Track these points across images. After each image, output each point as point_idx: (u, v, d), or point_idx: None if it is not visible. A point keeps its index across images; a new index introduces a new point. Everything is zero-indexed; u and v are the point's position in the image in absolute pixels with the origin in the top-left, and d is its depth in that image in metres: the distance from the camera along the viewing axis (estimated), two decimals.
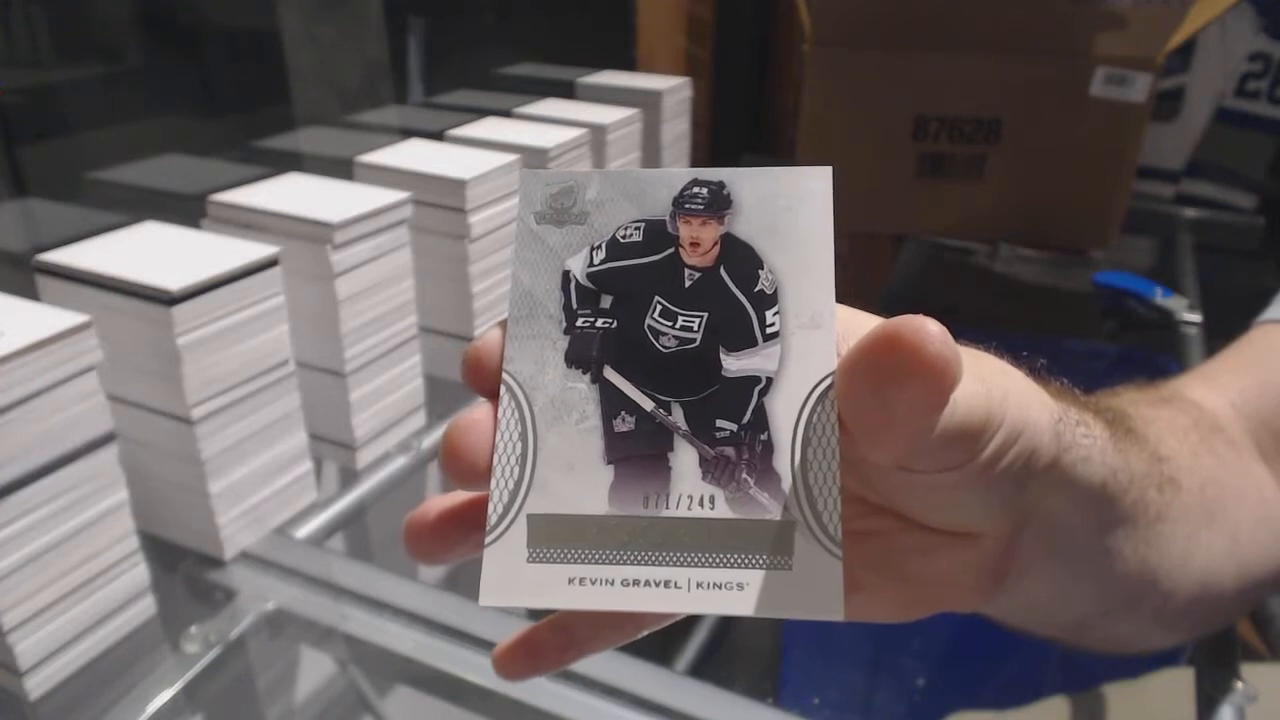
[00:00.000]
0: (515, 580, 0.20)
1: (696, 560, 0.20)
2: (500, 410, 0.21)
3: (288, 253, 0.52)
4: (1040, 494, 0.26)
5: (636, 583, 0.20)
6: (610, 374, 0.21)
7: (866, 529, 0.26)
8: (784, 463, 0.20)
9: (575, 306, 0.22)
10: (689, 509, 0.20)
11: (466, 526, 0.22)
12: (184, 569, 0.53)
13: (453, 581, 0.83)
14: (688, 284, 0.22)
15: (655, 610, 0.20)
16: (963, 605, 0.28)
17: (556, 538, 0.20)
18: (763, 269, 0.21)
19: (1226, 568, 0.37)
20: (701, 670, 0.77)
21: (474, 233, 0.67)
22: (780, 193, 0.22)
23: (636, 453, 0.21)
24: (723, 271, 0.22)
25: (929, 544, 0.26)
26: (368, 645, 0.49)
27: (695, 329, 0.21)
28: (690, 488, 0.20)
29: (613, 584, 0.20)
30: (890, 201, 1.01)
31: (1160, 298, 0.95)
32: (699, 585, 0.20)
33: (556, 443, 0.21)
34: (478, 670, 0.47)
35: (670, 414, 0.21)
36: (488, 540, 0.20)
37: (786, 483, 0.20)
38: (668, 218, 0.22)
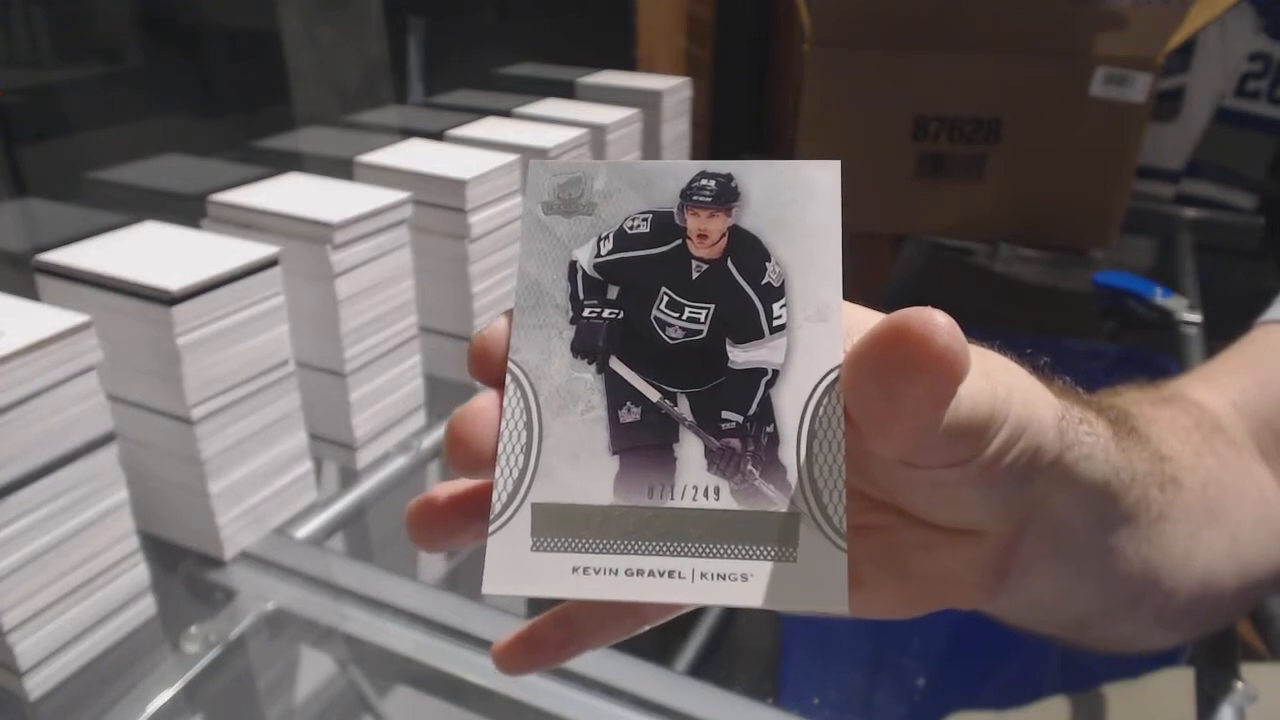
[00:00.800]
0: (519, 569, 0.20)
1: (701, 551, 0.20)
2: (505, 399, 0.21)
3: (288, 253, 0.52)
4: (1043, 492, 0.26)
5: (640, 573, 0.20)
6: (616, 364, 0.21)
7: (869, 524, 0.26)
8: (789, 455, 0.20)
9: (582, 297, 0.22)
10: (694, 500, 0.20)
11: (470, 514, 0.22)
12: (184, 569, 0.53)
13: (453, 581, 0.83)
14: (695, 276, 0.22)
15: (659, 600, 0.20)
16: (965, 602, 0.28)
17: (561, 527, 0.20)
18: (770, 261, 0.22)
19: (1227, 567, 0.37)
20: (701, 670, 0.77)
21: (474, 233, 0.67)
22: (788, 185, 0.22)
23: (642, 443, 0.21)
24: (730, 264, 0.22)
25: (931, 541, 0.26)
26: (368, 645, 0.49)
27: (702, 321, 0.22)
28: (696, 479, 0.20)
29: (617, 573, 0.20)
30: (890, 201, 1.01)
31: (1160, 298, 0.95)
32: (703, 576, 0.20)
33: (562, 432, 0.21)
34: (477, 670, 0.47)
35: (676, 405, 0.21)
36: (491, 528, 0.20)
37: (792, 475, 0.20)
38: (675, 210, 0.22)
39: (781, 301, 0.21)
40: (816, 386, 0.21)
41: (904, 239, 1.18)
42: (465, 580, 0.84)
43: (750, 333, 0.21)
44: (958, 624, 0.77)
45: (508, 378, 0.21)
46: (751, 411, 0.21)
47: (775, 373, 0.21)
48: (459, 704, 0.47)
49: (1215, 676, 0.49)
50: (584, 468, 0.21)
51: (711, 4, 1.25)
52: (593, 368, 0.21)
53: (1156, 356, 0.92)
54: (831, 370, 0.21)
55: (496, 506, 0.20)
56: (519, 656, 0.25)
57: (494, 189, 0.68)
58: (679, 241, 0.22)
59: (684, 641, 0.80)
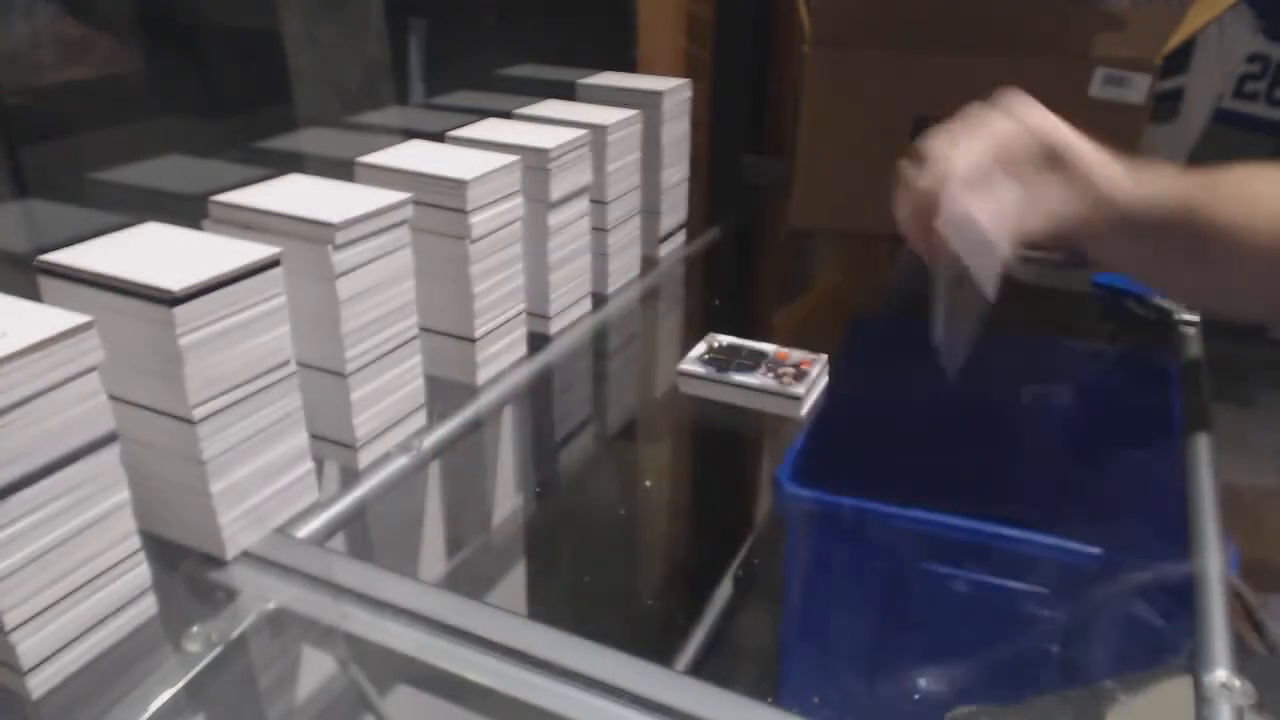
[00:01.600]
0: None
1: None
2: None
3: (289, 253, 0.52)
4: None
5: None
6: None
7: None
8: None
9: None
10: None
11: None
12: (185, 569, 0.53)
13: (454, 581, 0.83)
14: None
15: None
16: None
17: None
18: None
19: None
20: (702, 669, 0.77)
21: (475, 233, 0.67)
22: None
23: None
24: None
25: None
26: (369, 644, 0.49)
27: None
28: None
29: None
30: (890, 201, 1.01)
31: (1159, 298, 0.96)
32: None
33: None
34: (479, 669, 0.47)
35: None
36: None
37: None
38: None
39: None
40: None
41: (904, 239, 1.18)
42: (466, 579, 0.84)
43: None
44: (957, 624, 0.77)
45: None
46: None
47: None
48: (460, 703, 0.47)
49: (1214, 676, 0.50)
50: None
51: (711, 4, 1.25)
52: None
53: (1156, 356, 0.92)
54: None
55: None
56: None
57: (495, 189, 0.68)
58: None
59: (684, 641, 0.80)
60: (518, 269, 0.74)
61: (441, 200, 0.66)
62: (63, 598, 0.45)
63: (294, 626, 0.51)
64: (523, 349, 0.77)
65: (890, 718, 0.81)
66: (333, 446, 0.62)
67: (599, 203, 0.85)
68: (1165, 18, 0.90)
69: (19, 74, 0.59)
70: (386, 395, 0.63)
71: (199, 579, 0.53)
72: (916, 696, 0.77)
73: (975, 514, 0.75)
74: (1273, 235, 0.56)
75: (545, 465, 0.85)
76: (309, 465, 0.57)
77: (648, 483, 1.18)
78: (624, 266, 0.92)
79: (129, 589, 0.48)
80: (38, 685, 0.45)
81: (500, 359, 0.74)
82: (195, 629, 0.49)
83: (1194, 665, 0.51)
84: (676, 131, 0.97)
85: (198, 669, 0.47)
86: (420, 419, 0.67)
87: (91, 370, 0.44)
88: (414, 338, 0.64)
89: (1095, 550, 0.76)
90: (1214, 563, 0.60)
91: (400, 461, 0.63)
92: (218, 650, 0.48)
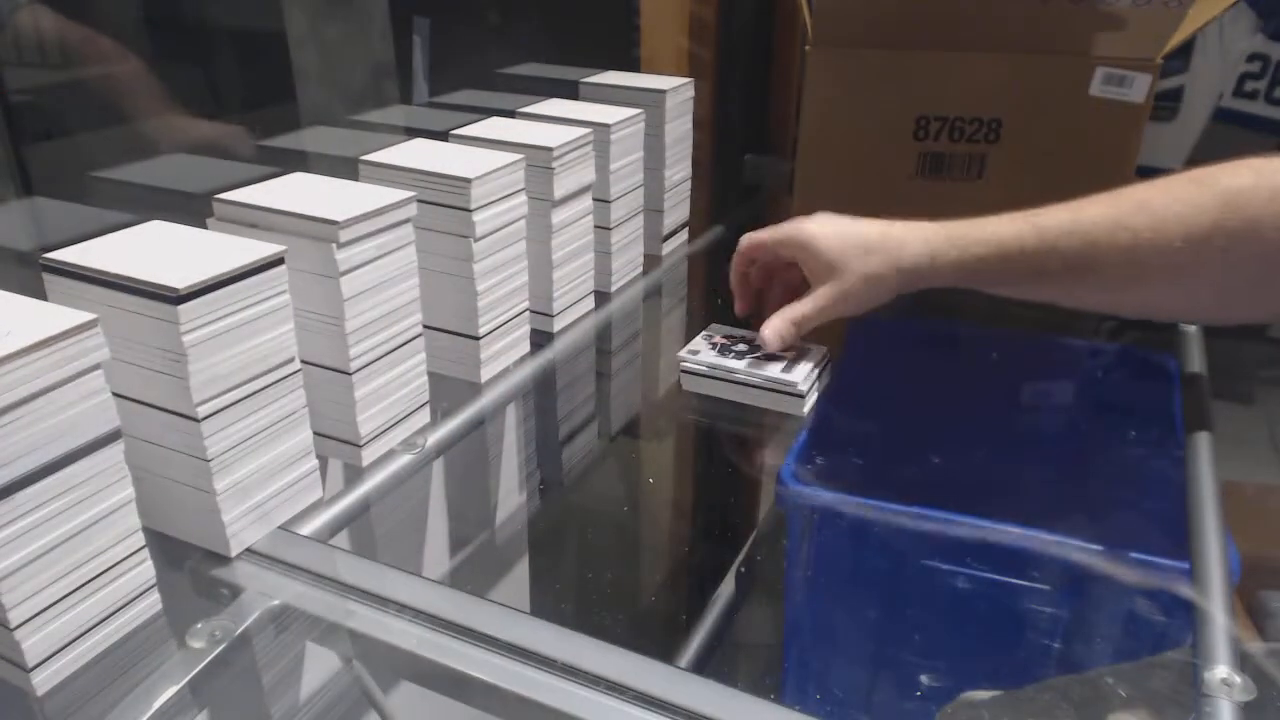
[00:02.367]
0: None
1: None
2: None
3: (293, 251, 0.52)
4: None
5: None
6: None
7: None
8: None
9: None
10: None
11: None
12: (189, 566, 0.53)
13: (458, 577, 0.83)
14: None
15: None
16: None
17: None
18: None
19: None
20: (704, 666, 0.77)
21: (478, 231, 0.67)
22: None
23: None
24: None
25: None
26: (373, 641, 0.49)
27: None
28: None
29: None
30: (890, 201, 1.01)
31: None
32: None
33: None
34: (482, 666, 0.47)
35: None
36: None
37: None
38: None
39: None
40: None
41: None
42: (469, 577, 0.84)
43: None
44: (961, 620, 0.77)
45: None
46: None
47: None
48: (463, 700, 0.47)
49: (1214, 673, 0.50)
50: None
51: (714, 5, 1.25)
52: None
53: (1156, 355, 0.92)
54: None
55: None
56: None
57: (498, 188, 0.69)
58: None
59: (687, 637, 0.80)
60: (521, 267, 0.74)
61: (445, 198, 0.67)
62: (67, 595, 0.45)
63: (298, 623, 0.51)
64: (526, 347, 0.77)
65: (892, 714, 0.81)
66: (336, 444, 0.62)
67: (602, 201, 0.86)
68: (1165, 18, 0.90)
69: (22, 72, 0.59)
70: (390, 393, 0.63)
71: (203, 576, 0.53)
72: (918, 693, 0.78)
73: (976, 511, 0.75)
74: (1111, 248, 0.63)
75: (548, 462, 0.85)
76: (313, 463, 0.57)
77: (650, 480, 1.18)
78: (627, 264, 0.92)
79: (133, 586, 0.49)
80: (42, 682, 0.45)
81: (503, 356, 0.74)
82: (199, 626, 0.49)
83: (1194, 662, 0.51)
84: (679, 130, 0.97)
85: (201, 666, 0.47)
86: (424, 416, 0.67)
87: (96, 368, 0.44)
88: (418, 335, 0.64)
89: (1096, 547, 0.76)
90: (1214, 560, 0.60)
91: (404, 459, 0.64)
92: (221, 647, 0.48)
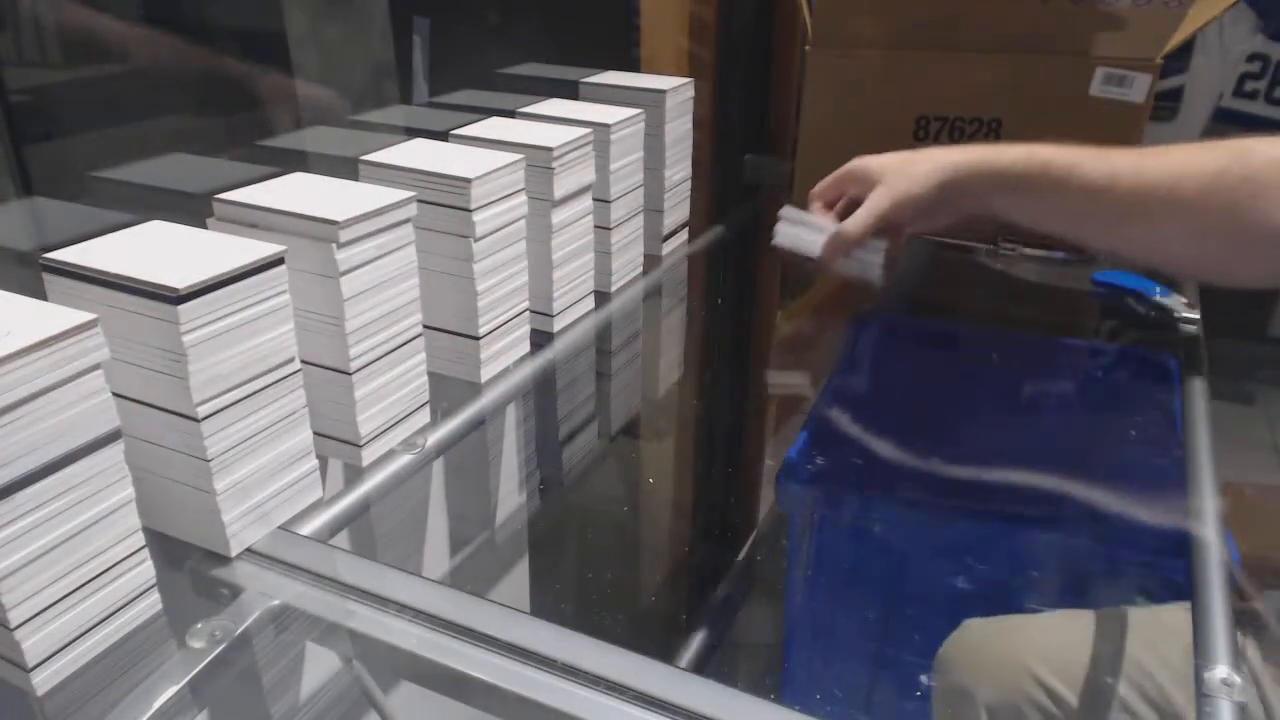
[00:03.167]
0: None
1: None
2: None
3: (293, 251, 0.52)
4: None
5: None
6: None
7: None
8: None
9: None
10: None
11: None
12: (189, 566, 0.53)
13: (457, 578, 0.83)
14: None
15: None
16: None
17: None
18: None
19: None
20: (704, 666, 0.77)
21: (478, 231, 0.67)
22: None
23: None
24: None
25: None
26: (372, 641, 0.49)
27: None
28: None
29: None
30: None
31: (1159, 296, 0.96)
32: None
33: None
34: (482, 666, 0.47)
35: None
36: None
37: None
38: None
39: None
40: None
41: (909, 238, 1.18)
42: (469, 577, 0.84)
43: None
44: (959, 621, 0.77)
45: None
46: None
47: None
48: (463, 699, 0.47)
49: (1214, 673, 0.50)
50: None
51: (714, 5, 1.25)
52: None
53: (1156, 355, 0.92)
54: None
55: None
56: None
57: (498, 188, 0.69)
58: None
59: (687, 637, 0.80)
60: (521, 267, 0.74)
61: (445, 198, 0.67)
62: (67, 595, 0.45)
63: (298, 623, 0.51)
64: (526, 346, 0.77)
65: (892, 714, 0.81)
66: (336, 444, 0.62)
67: (602, 201, 0.86)
68: (1165, 18, 0.90)
69: (22, 72, 0.59)
70: (390, 393, 0.63)
71: (203, 576, 0.53)
72: (918, 693, 0.78)
73: (976, 511, 0.75)
74: (1129, 186, 0.69)
75: (548, 462, 0.85)
76: (313, 463, 0.57)
77: (650, 480, 1.18)
78: (627, 264, 0.92)
79: (133, 586, 0.49)
80: (42, 682, 0.45)
81: (503, 356, 0.74)
82: (199, 626, 0.49)
83: (1195, 662, 0.51)
84: (679, 130, 0.97)
85: (201, 666, 0.47)
86: (424, 416, 0.67)
87: (96, 368, 0.44)
88: (418, 335, 0.64)
89: (1096, 546, 0.76)
90: (1214, 559, 0.60)
91: (404, 459, 0.64)
92: (221, 647, 0.48)
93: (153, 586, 0.50)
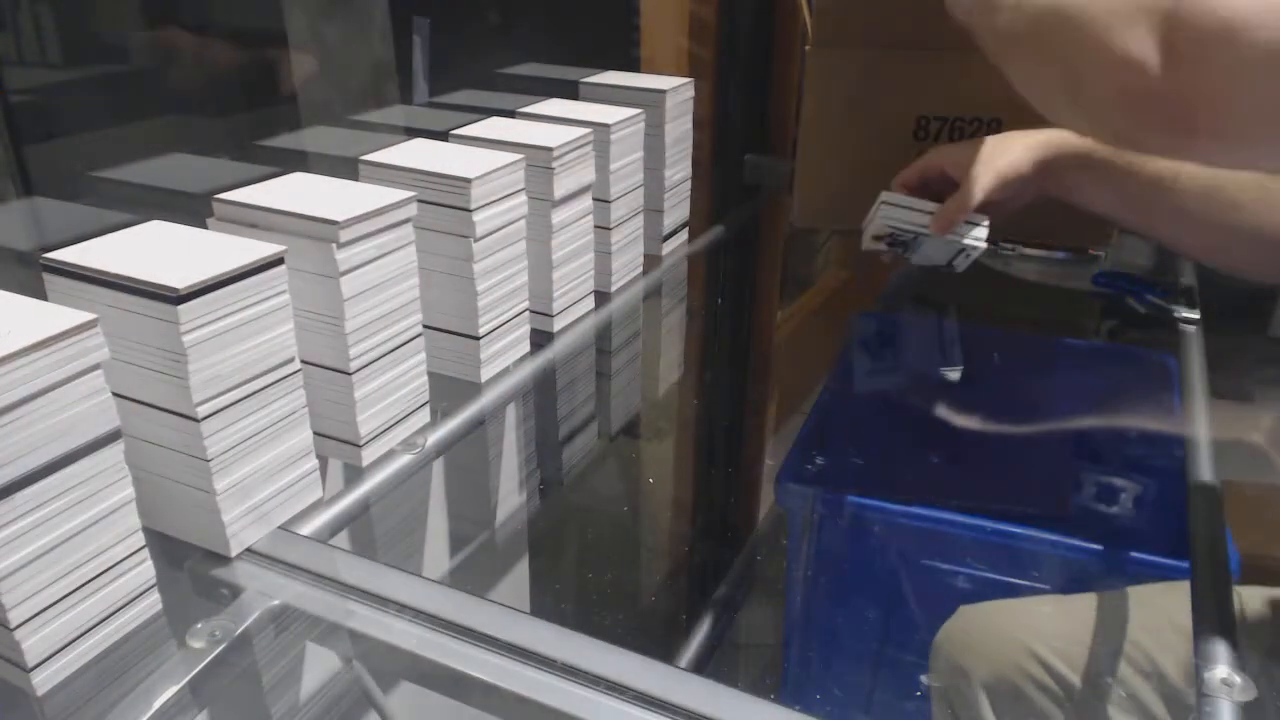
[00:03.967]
0: None
1: None
2: None
3: (293, 251, 0.52)
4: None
5: None
6: None
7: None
8: None
9: None
10: None
11: None
12: (189, 566, 0.53)
13: (457, 577, 0.83)
14: None
15: None
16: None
17: None
18: None
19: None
20: (704, 666, 0.77)
21: (478, 231, 0.67)
22: None
23: None
24: None
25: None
26: (372, 641, 0.49)
27: None
28: None
29: None
30: None
31: (1159, 296, 0.96)
32: None
33: None
34: (482, 666, 0.47)
35: None
36: None
37: None
38: None
39: None
40: None
41: None
42: (469, 576, 0.84)
43: None
44: None
45: None
46: None
47: None
48: (463, 699, 0.47)
49: (1215, 672, 0.50)
50: None
51: (714, 5, 1.25)
52: None
53: (1156, 355, 0.92)
54: None
55: None
56: None
57: (498, 188, 0.69)
58: None
59: (687, 637, 0.80)
60: (521, 267, 0.74)
61: (445, 198, 0.67)
62: (67, 595, 0.45)
63: (298, 623, 0.51)
64: (526, 346, 0.77)
65: (892, 714, 0.81)
66: (336, 444, 0.62)
67: (602, 201, 0.86)
68: None
69: (22, 72, 0.59)
70: (390, 393, 0.63)
71: (203, 576, 0.53)
72: (918, 693, 0.78)
73: (976, 511, 0.75)
74: (1192, 178, 0.72)
75: (548, 462, 0.85)
76: (313, 463, 0.57)
77: (650, 480, 1.18)
78: (627, 264, 0.92)
79: (133, 586, 0.49)
80: (42, 682, 0.45)
81: (503, 356, 0.74)
82: (199, 626, 0.49)
83: (1195, 662, 0.51)
84: (679, 130, 0.97)
85: (201, 666, 0.47)
86: (424, 416, 0.67)
87: (96, 368, 0.44)
88: (417, 335, 0.64)
89: (1096, 546, 0.76)
90: (1214, 558, 0.60)
91: (404, 459, 0.64)
92: (221, 647, 0.48)
93: (153, 586, 0.50)
